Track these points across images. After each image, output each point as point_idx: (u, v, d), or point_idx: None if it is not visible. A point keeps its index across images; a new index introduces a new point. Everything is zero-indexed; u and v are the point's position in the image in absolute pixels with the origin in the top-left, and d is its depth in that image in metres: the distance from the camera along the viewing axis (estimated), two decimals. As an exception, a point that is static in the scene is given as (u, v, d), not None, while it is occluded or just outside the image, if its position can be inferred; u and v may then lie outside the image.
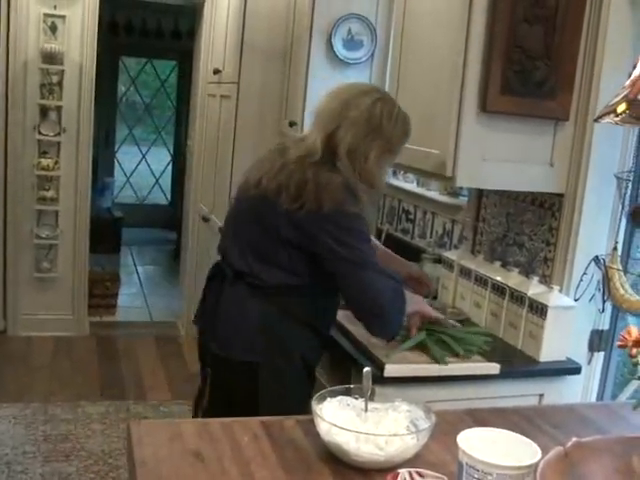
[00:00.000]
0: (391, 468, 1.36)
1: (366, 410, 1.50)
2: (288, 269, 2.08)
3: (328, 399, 1.52)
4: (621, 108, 1.04)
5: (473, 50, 2.16)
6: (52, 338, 4.97)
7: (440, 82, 2.30)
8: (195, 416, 2.28)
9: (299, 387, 2.14)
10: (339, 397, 1.54)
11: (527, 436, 1.33)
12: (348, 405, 1.52)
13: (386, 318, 2.04)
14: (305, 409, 2.08)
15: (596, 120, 1.17)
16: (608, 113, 1.07)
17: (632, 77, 1.11)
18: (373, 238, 2.36)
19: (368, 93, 2.12)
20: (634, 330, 1.23)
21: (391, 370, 2.03)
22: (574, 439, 1.26)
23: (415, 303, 2.20)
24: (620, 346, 1.29)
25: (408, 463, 1.39)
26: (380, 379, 1.98)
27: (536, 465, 1.19)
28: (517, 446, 1.26)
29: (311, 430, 1.49)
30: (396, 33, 2.68)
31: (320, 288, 2.11)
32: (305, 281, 2.09)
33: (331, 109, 2.11)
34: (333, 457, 1.43)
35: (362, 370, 1.57)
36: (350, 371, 2.18)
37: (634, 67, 1.15)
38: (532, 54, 2.18)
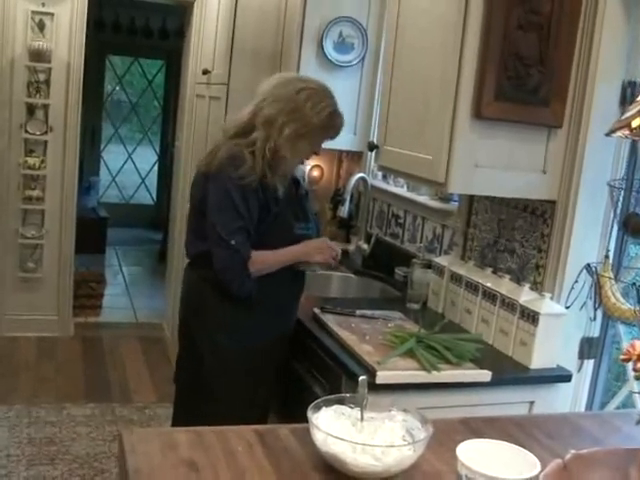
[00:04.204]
0: (388, 479, 1.35)
1: (362, 420, 1.49)
2: (200, 235, 2.36)
3: (324, 408, 1.50)
4: (636, 123, 1.04)
5: (467, 55, 2.16)
6: (36, 339, 4.92)
7: (433, 87, 2.29)
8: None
9: (227, 351, 2.39)
10: (334, 406, 1.52)
11: (523, 446, 1.33)
12: (343, 414, 1.51)
13: (232, 285, 2.31)
14: (240, 380, 2.41)
15: (608, 134, 1.17)
16: (621, 127, 1.07)
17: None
18: None
19: (305, 81, 2.39)
20: (638, 344, 1.23)
21: (383, 377, 2.02)
22: (572, 451, 1.25)
23: (303, 255, 2.44)
24: (624, 360, 1.29)
25: (405, 473, 1.38)
26: (372, 386, 1.96)
27: (536, 478, 1.18)
28: (516, 458, 1.25)
29: (306, 439, 1.47)
30: (389, 36, 2.67)
31: None
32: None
33: (264, 88, 2.38)
34: (328, 467, 1.42)
35: (353, 376, 1.56)
36: (341, 377, 2.16)
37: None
38: (526, 61, 2.18)
